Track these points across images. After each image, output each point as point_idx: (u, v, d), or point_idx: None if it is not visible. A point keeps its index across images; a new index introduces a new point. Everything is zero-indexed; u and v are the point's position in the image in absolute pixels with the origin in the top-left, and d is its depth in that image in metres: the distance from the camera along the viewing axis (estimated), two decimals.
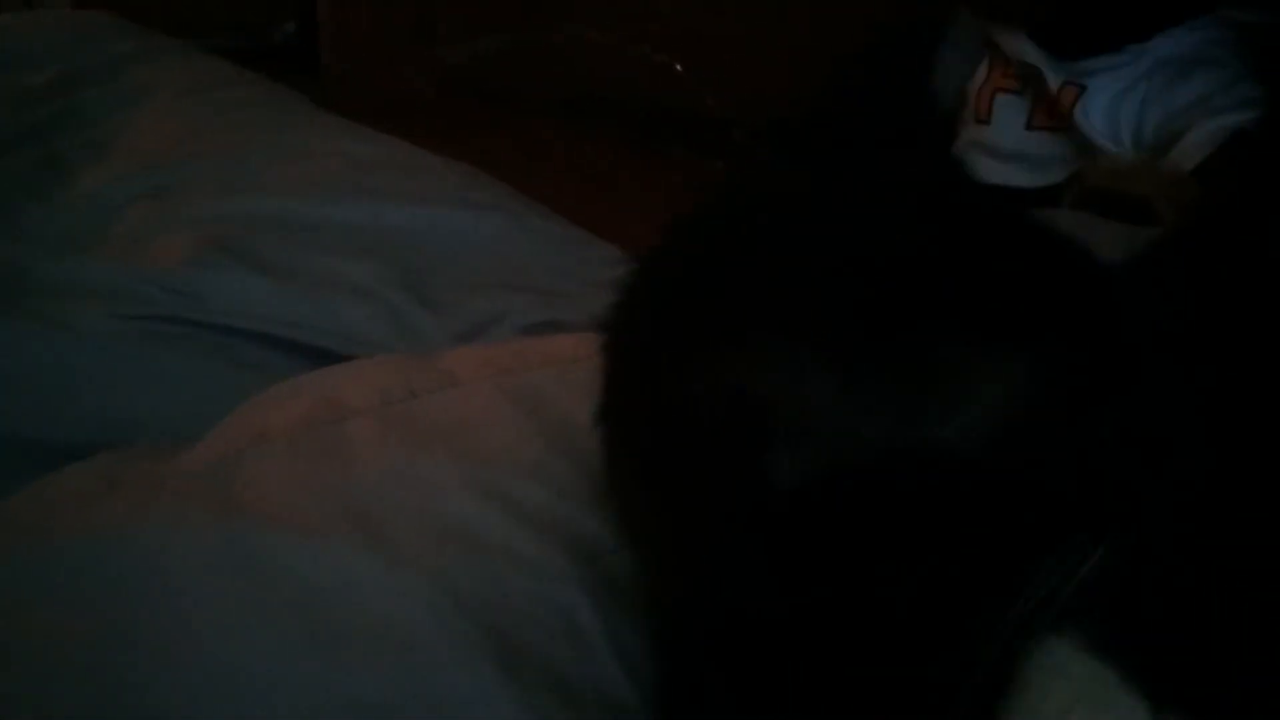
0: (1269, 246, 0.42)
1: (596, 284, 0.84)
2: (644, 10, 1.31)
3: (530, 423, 0.52)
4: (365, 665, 0.41)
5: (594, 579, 0.45)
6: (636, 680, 0.43)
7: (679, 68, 1.23)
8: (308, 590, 0.43)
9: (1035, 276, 0.33)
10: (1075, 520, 0.32)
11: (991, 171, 0.89)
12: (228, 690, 0.41)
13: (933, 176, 0.39)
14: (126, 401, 0.73)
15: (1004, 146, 0.91)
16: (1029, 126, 0.91)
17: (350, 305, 0.81)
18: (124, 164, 1.00)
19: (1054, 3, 0.89)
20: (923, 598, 0.32)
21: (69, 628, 0.45)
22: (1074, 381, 0.32)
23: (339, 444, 0.51)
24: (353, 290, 0.82)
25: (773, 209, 0.37)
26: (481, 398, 0.54)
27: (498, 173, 1.04)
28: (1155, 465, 0.33)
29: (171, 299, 0.79)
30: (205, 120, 1.08)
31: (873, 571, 0.32)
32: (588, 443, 0.50)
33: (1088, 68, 0.88)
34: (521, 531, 0.46)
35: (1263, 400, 0.37)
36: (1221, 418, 0.35)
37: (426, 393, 0.55)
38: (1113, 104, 0.87)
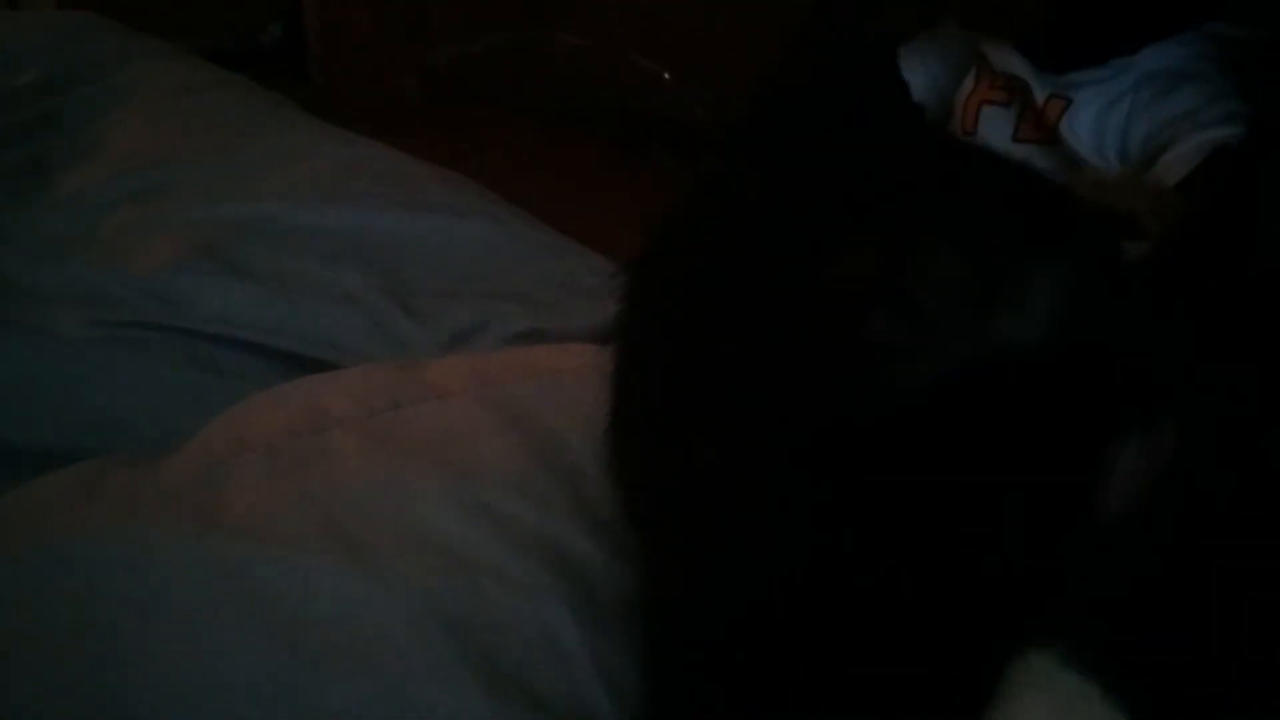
0: (1254, 259, 0.43)
1: (581, 292, 0.85)
2: (633, 16, 1.31)
3: (514, 436, 0.52)
4: (342, 680, 0.41)
5: (577, 595, 0.45)
6: (617, 698, 0.43)
7: (667, 75, 1.23)
8: (286, 604, 0.43)
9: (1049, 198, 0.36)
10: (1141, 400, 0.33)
11: None
12: (203, 703, 0.40)
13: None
14: (107, 408, 0.72)
15: None
16: (1015, 139, 0.91)
17: (334, 313, 0.80)
18: (107, 167, 0.99)
19: (1041, 16, 0.89)
20: (1017, 499, 0.32)
21: (45, 637, 0.45)
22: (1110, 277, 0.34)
23: (320, 455, 0.50)
24: (337, 297, 0.82)
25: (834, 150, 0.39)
26: (465, 410, 0.54)
27: (484, 177, 1.04)
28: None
29: (153, 305, 0.79)
30: (190, 123, 1.07)
31: (977, 475, 0.32)
32: (572, 456, 0.50)
33: (1074, 80, 0.88)
34: (504, 547, 0.46)
35: (1250, 416, 0.37)
36: (1218, 440, 0.35)
37: (410, 404, 0.54)
38: (1099, 117, 0.87)
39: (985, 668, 0.34)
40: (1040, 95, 0.90)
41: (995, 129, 0.92)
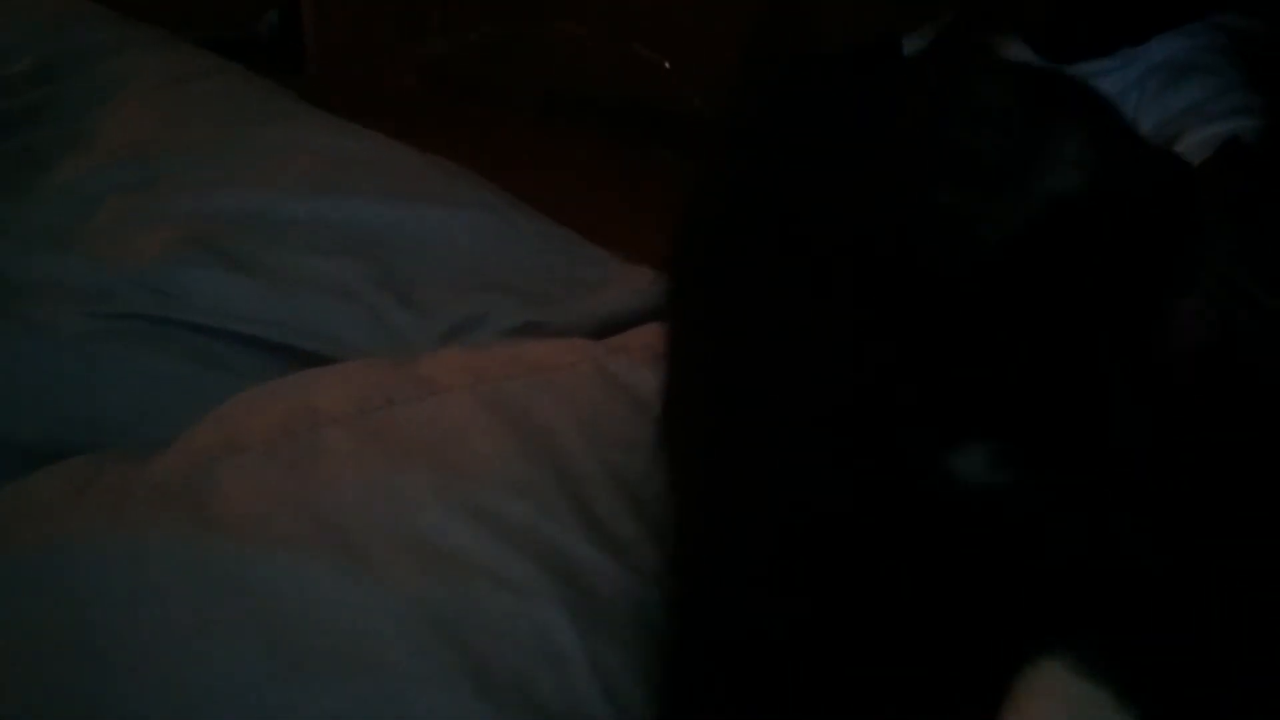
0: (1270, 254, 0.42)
1: (581, 285, 0.84)
2: (633, 6, 1.30)
3: (510, 434, 0.51)
4: (334, 684, 0.40)
5: (574, 597, 0.44)
6: (615, 701, 0.43)
7: (667, 65, 1.22)
8: (277, 606, 0.42)
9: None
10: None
11: None
12: (191, 706, 0.40)
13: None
14: (100, 402, 0.71)
15: None
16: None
17: (330, 305, 0.79)
18: (100, 157, 0.98)
19: (1048, 7, 0.88)
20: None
21: (33, 638, 0.44)
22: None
23: (314, 454, 0.50)
24: (333, 290, 0.81)
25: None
26: (461, 407, 0.53)
27: (482, 169, 1.02)
28: None
29: (147, 297, 0.78)
30: (184, 113, 1.06)
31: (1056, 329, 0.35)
32: (570, 455, 0.49)
33: (1080, 72, 0.87)
34: (499, 548, 0.45)
35: (1259, 417, 0.37)
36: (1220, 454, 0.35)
37: (404, 401, 0.54)
38: None
39: (997, 672, 0.34)
40: None
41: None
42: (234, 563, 0.44)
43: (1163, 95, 0.85)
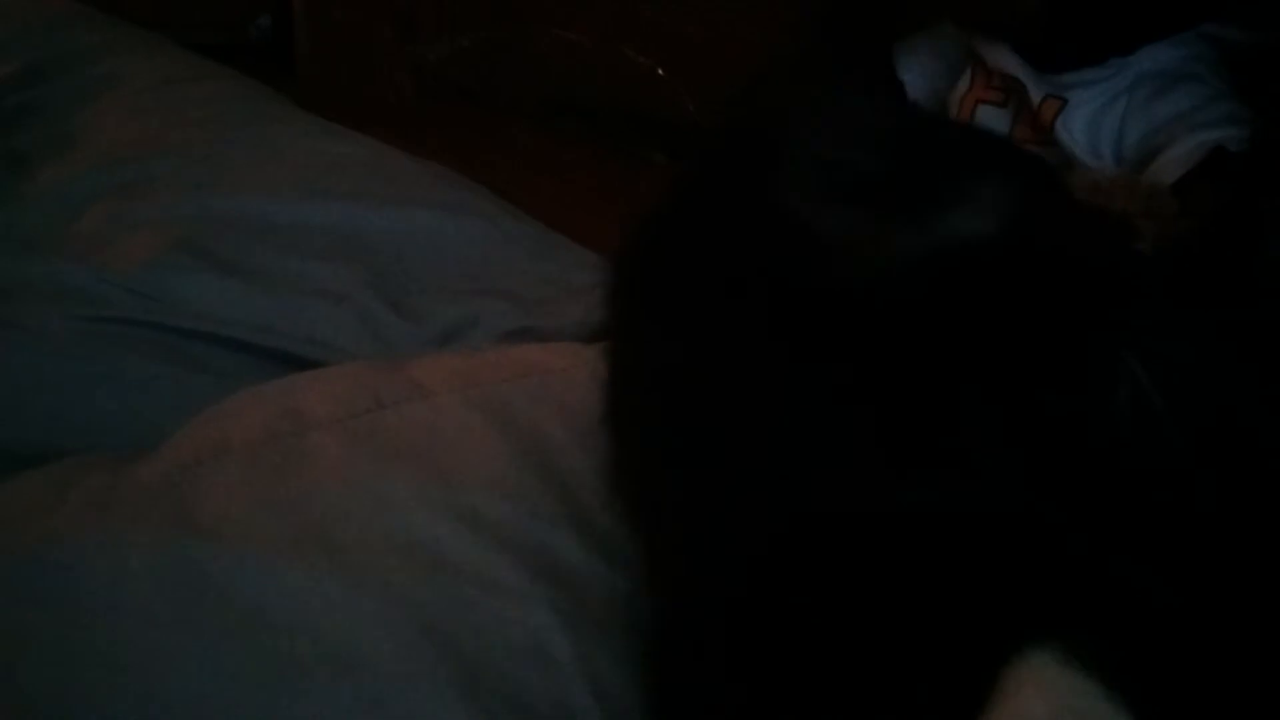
0: (1256, 262, 0.43)
1: (573, 290, 0.83)
2: (627, 13, 1.30)
3: (500, 437, 0.51)
4: (318, 689, 0.40)
5: (565, 601, 0.44)
6: (606, 704, 0.42)
7: (661, 72, 1.22)
8: (263, 612, 0.42)
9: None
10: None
11: None
12: (171, 713, 0.39)
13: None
14: (85, 406, 0.71)
15: None
16: (1010, 139, 0.91)
17: (320, 309, 0.79)
18: (88, 160, 0.97)
19: (1037, 15, 0.88)
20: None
21: (14, 643, 0.44)
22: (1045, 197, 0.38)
23: (300, 457, 0.49)
24: (323, 294, 0.81)
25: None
26: (450, 410, 0.53)
27: (475, 175, 1.02)
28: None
29: (133, 300, 0.77)
30: (174, 116, 1.05)
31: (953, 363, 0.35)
32: (560, 457, 0.49)
33: (1070, 81, 0.88)
34: (489, 552, 0.45)
35: (1252, 419, 0.37)
36: (1217, 440, 0.35)
37: (393, 404, 0.53)
38: (1094, 118, 0.86)
39: (983, 665, 0.34)
40: (1036, 95, 0.90)
41: (991, 128, 0.92)
42: (217, 568, 0.44)
43: (1151, 104, 0.85)
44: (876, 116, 0.39)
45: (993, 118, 0.91)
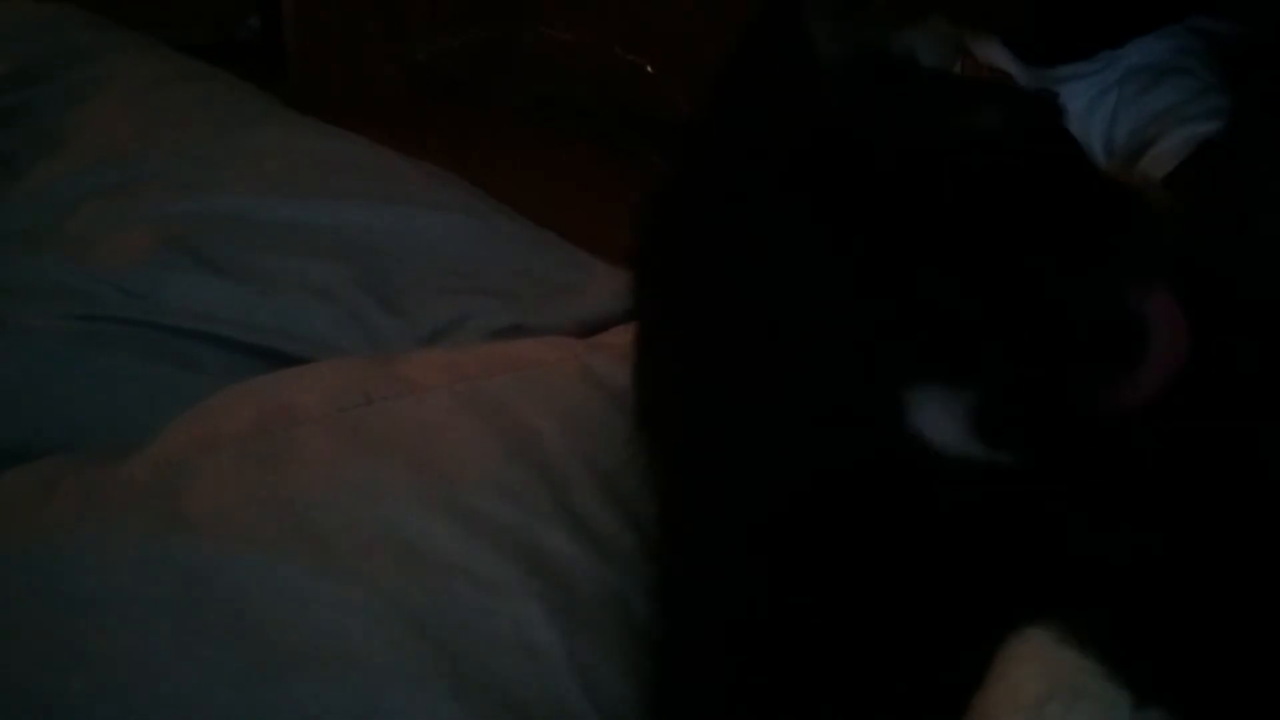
0: (1243, 253, 0.43)
1: (563, 287, 0.83)
2: (616, 10, 1.30)
3: (489, 431, 0.51)
4: (306, 684, 0.40)
5: (553, 594, 0.44)
6: (595, 696, 0.42)
7: (650, 69, 1.22)
8: (250, 606, 0.41)
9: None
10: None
11: None
12: (161, 710, 0.39)
13: None
14: (76, 404, 0.71)
15: None
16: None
17: (310, 308, 0.79)
18: (79, 159, 0.97)
19: (1027, 9, 0.88)
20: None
21: (1, 639, 0.43)
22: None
23: (289, 452, 0.49)
24: (313, 292, 0.80)
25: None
26: (439, 405, 0.53)
27: (465, 173, 1.02)
28: None
29: (124, 299, 0.77)
30: (164, 116, 1.05)
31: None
32: (550, 452, 0.49)
33: (1060, 75, 0.88)
34: (477, 545, 0.45)
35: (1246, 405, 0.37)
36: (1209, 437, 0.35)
37: (382, 399, 0.53)
38: (1084, 111, 0.86)
39: (980, 641, 0.34)
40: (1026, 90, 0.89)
41: None
42: (204, 563, 0.43)
43: (1141, 98, 0.85)
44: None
45: None
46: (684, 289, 0.42)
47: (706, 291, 0.41)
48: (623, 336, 0.65)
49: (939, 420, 0.36)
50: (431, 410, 0.52)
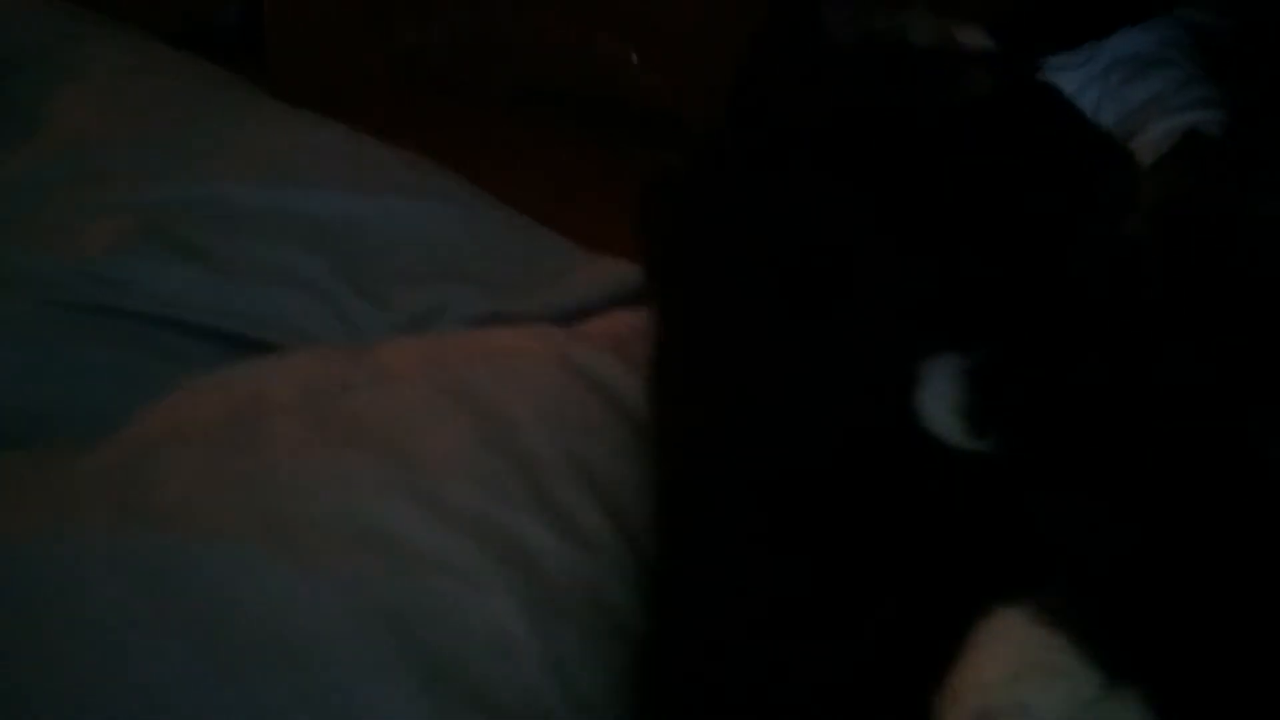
0: (1230, 241, 0.43)
1: (544, 274, 0.83)
2: (603, 1, 1.29)
3: (466, 421, 0.50)
4: (274, 678, 0.39)
5: (528, 586, 0.43)
6: (569, 691, 0.41)
7: (635, 59, 1.21)
8: (220, 601, 0.40)
9: None
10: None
11: None
12: (127, 707, 0.38)
13: None
14: (46, 393, 0.69)
15: None
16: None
17: (287, 295, 0.78)
18: (54, 147, 0.95)
19: (1014, 1, 0.88)
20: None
21: None
22: None
23: (259, 442, 0.48)
24: (290, 279, 0.79)
25: None
26: (416, 394, 0.52)
27: (448, 162, 1.01)
28: None
29: (98, 287, 0.76)
30: (141, 103, 1.03)
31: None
32: (527, 442, 0.48)
33: (1045, 66, 0.88)
34: (450, 537, 0.44)
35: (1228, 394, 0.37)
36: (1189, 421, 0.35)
37: (357, 388, 0.52)
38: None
39: (952, 618, 0.33)
40: None
41: None
42: (171, 555, 0.42)
43: (1125, 88, 0.85)
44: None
45: None
46: (705, 265, 0.43)
47: (730, 267, 0.42)
48: (603, 325, 0.64)
49: (939, 400, 0.36)
50: (407, 400, 0.51)
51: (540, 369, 0.55)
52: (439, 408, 0.51)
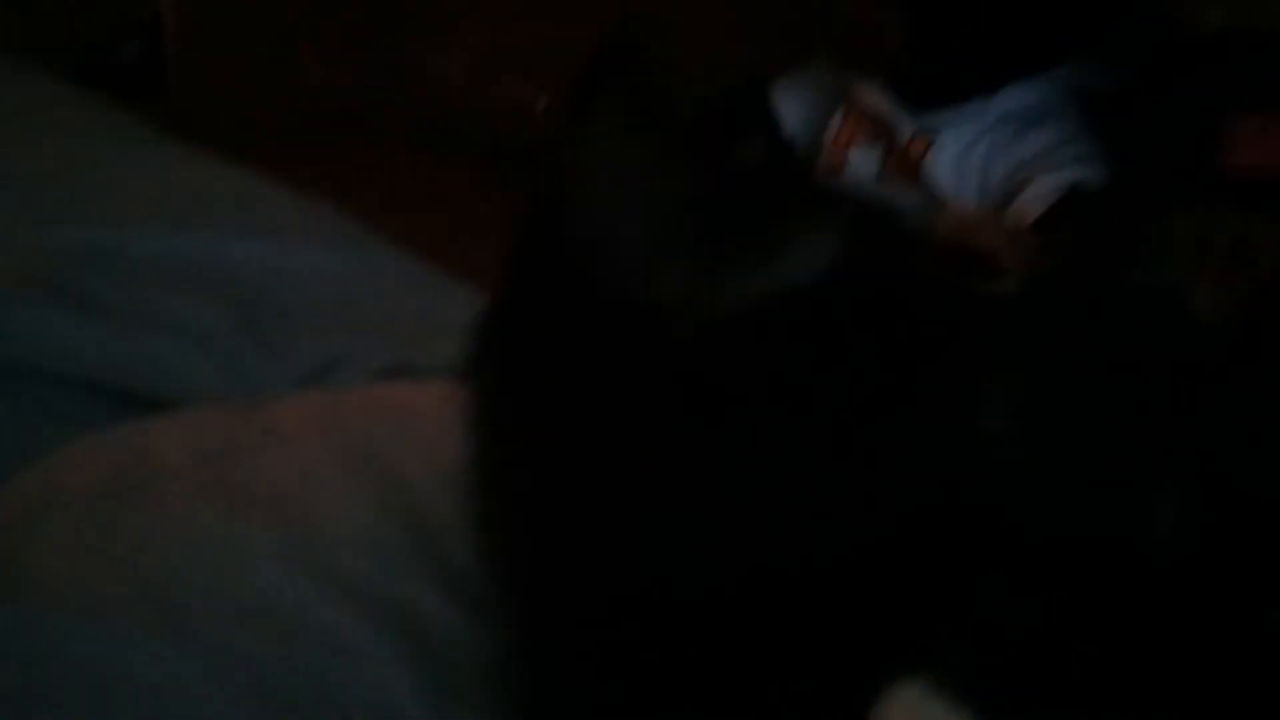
0: (1109, 298, 0.44)
1: (447, 326, 0.81)
2: (510, 43, 1.30)
3: (361, 484, 0.49)
4: None
5: (424, 661, 0.42)
6: None
7: (543, 103, 1.21)
8: (89, 679, 0.39)
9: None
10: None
11: None
12: None
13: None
14: None
15: None
16: (881, 177, 0.93)
17: (180, 347, 0.75)
18: None
19: (905, 55, 0.91)
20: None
21: None
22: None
23: (142, 509, 0.46)
24: (185, 331, 0.77)
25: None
26: (309, 456, 0.51)
27: (350, 205, 0.99)
28: None
29: None
30: (31, 143, 1.00)
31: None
32: (425, 507, 0.47)
33: (937, 120, 0.91)
34: (342, 609, 0.43)
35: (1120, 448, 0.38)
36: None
37: (248, 450, 0.51)
38: (959, 157, 0.90)
39: (853, 695, 0.34)
40: (905, 134, 0.92)
41: (862, 168, 0.94)
42: (47, 628, 0.40)
43: (1012, 144, 0.89)
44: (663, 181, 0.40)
45: (864, 156, 0.93)
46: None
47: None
48: None
49: None
50: (301, 462, 0.50)
51: (441, 430, 0.54)
52: (334, 471, 0.50)
